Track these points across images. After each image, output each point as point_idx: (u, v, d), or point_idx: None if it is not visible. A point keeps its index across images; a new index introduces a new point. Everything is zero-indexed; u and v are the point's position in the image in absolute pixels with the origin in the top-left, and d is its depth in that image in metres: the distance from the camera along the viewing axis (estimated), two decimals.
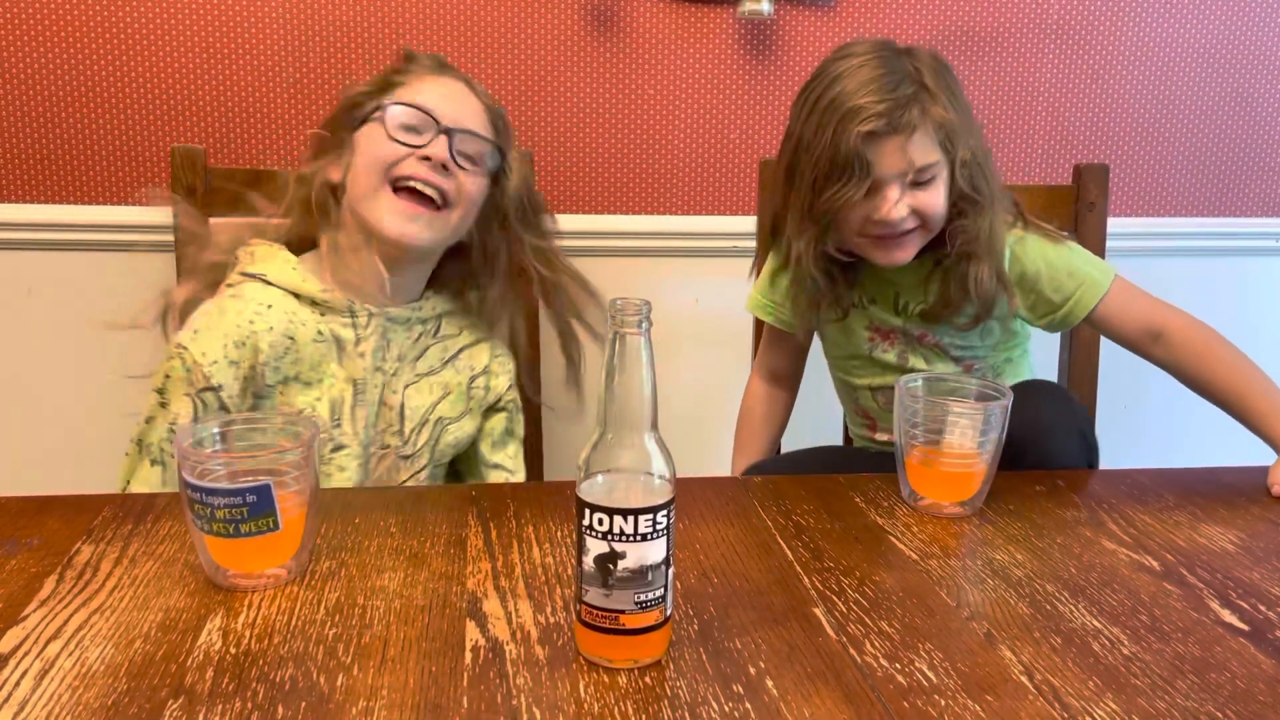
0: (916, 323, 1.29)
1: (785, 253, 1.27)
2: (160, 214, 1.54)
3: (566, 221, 1.66)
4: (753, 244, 1.52)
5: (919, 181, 1.16)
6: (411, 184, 1.16)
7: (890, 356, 1.31)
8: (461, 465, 1.36)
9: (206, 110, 1.58)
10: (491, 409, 1.33)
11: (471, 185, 1.21)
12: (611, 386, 0.70)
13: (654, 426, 0.71)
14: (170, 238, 1.44)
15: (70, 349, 1.62)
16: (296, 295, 1.17)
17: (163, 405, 1.14)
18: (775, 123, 1.69)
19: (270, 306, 1.16)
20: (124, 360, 1.61)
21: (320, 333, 1.17)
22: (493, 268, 1.28)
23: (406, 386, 1.23)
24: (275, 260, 1.19)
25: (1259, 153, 1.80)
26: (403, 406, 1.22)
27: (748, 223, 1.59)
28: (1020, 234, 1.26)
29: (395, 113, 1.18)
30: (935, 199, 1.18)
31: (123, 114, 1.57)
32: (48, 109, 1.55)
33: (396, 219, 1.17)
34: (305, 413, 1.17)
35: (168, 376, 1.13)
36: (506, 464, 1.34)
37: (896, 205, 1.16)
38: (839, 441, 1.57)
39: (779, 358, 1.45)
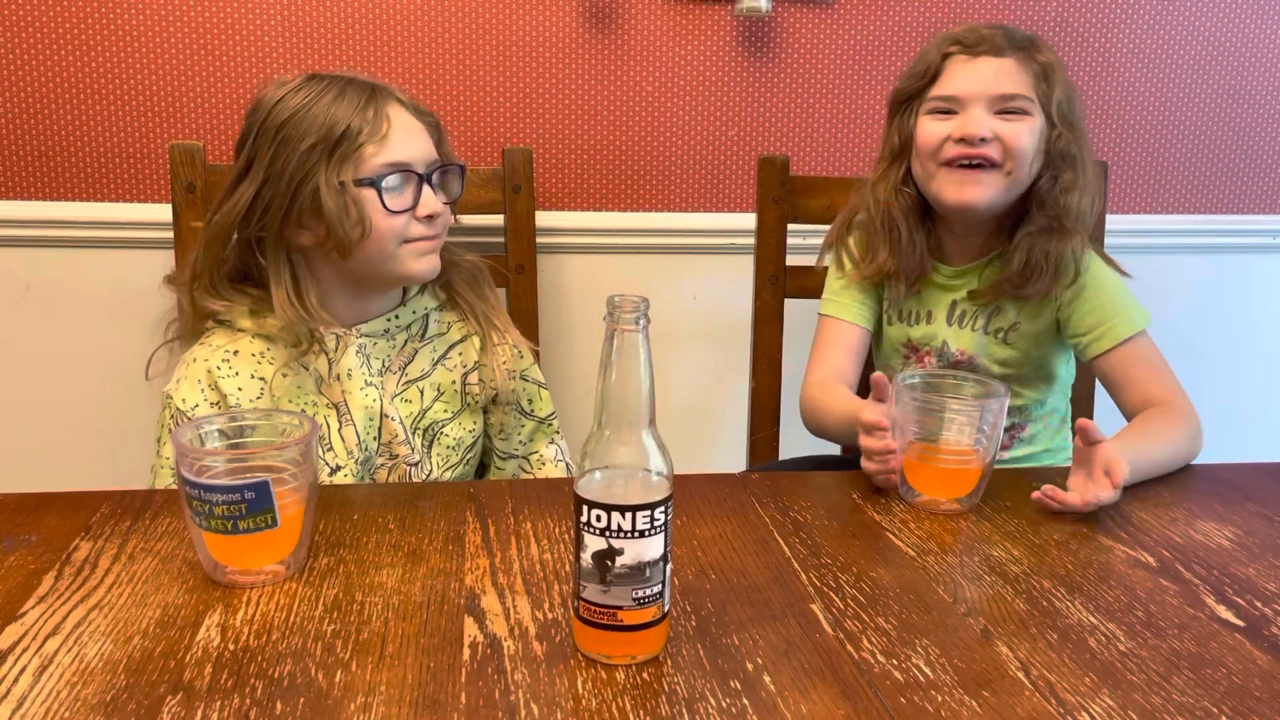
0: (961, 335, 1.27)
1: (865, 209, 1.28)
2: (159, 211, 1.55)
3: (565, 219, 1.67)
4: (750, 240, 1.51)
5: (1007, 110, 1.17)
6: (424, 241, 1.17)
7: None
8: (490, 461, 1.35)
9: (205, 106, 1.58)
10: (494, 403, 1.31)
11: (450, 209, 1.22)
12: (609, 383, 0.70)
13: (652, 423, 0.71)
14: (169, 235, 1.44)
15: (68, 345, 1.62)
16: (263, 335, 1.16)
17: (159, 455, 1.16)
18: (773, 119, 1.69)
19: (236, 352, 1.15)
20: (121, 356, 1.62)
21: (290, 366, 1.16)
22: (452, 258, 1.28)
23: (394, 397, 1.22)
24: (238, 303, 1.17)
25: (1257, 149, 1.80)
26: (400, 417, 1.21)
27: (746, 220, 1.59)
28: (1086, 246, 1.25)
29: (388, 186, 1.12)
30: (1022, 134, 1.17)
31: (121, 110, 1.57)
32: (46, 105, 1.55)
33: (421, 262, 1.18)
34: None
35: (163, 425, 1.15)
36: (544, 454, 1.33)
37: (980, 121, 1.16)
38: (837, 454, 1.54)
39: (843, 358, 1.33)
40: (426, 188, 1.16)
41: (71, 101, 1.55)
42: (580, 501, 0.71)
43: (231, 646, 0.74)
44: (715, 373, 1.75)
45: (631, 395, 0.70)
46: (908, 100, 1.24)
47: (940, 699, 0.69)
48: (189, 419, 1.11)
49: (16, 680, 0.69)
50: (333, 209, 1.10)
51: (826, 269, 1.42)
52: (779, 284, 1.49)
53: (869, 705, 0.68)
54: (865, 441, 1.02)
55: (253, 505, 0.80)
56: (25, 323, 1.61)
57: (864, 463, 1.04)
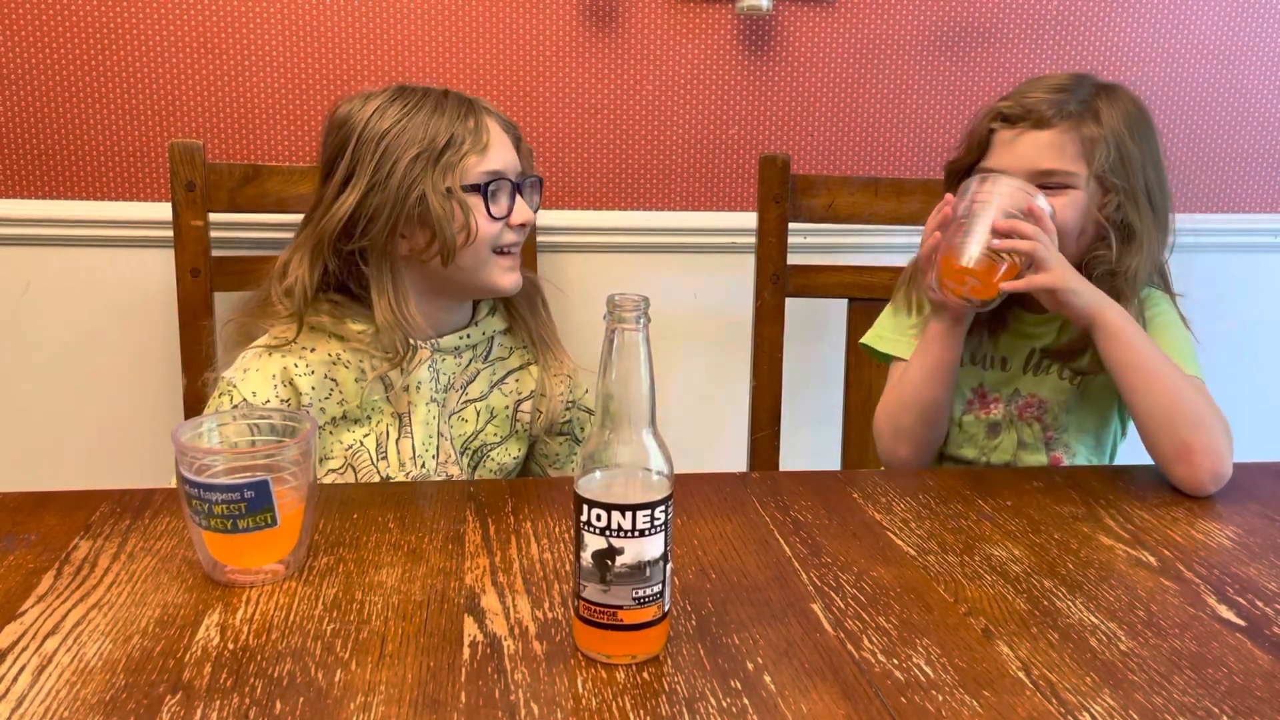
0: (1037, 382, 1.24)
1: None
2: (159, 209, 1.55)
3: (565, 217, 1.66)
4: (751, 239, 1.51)
5: (1046, 186, 1.15)
6: (510, 254, 1.21)
7: (979, 427, 1.28)
8: None
9: (205, 104, 1.57)
10: (549, 432, 1.31)
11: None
12: (609, 382, 0.70)
13: (652, 422, 0.71)
14: (169, 233, 1.44)
15: (68, 344, 1.62)
16: (340, 336, 1.17)
17: None
18: (774, 118, 1.69)
19: (313, 350, 1.16)
20: (121, 355, 1.62)
21: (363, 371, 1.16)
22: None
23: (451, 415, 1.22)
24: (320, 302, 1.18)
25: (1259, 148, 1.80)
26: (452, 436, 1.22)
27: (747, 218, 1.59)
28: (1158, 293, 1.23)
29: (493, 192, 1.17)
30: (1062, 210, 1.15)
31: (121, 108, 1.56)
32: (46, 103, 1.55)
33: (508, 276, 1.21)
34: (352, 448, 1.17)
35: (218, 412, 1.14)
36: None
37: None
38: (837, 453, 1.53)
39: None
40: (519, 197, 1.20)
41: (71, 100, 1.55)
42: (580, 500, 0.71)
43: (231, 646, 0.74)
44: (715, 372, 1.75)
45: (632, 394, 0.70)
46: (964, 173, 1.23)
47: (941, 699, 0.69)
48: None
49: (15, 680, 0.69)
50: (440, 214, 1.13)
51: (832, 268, 1.41)
52: (780, 283, 1.49)
53: (869, 705, 0.68)
54: (930, 220, 1.16)
55: (252, 504, 0.80)
56: (25, 322, 1.61)
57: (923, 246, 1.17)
